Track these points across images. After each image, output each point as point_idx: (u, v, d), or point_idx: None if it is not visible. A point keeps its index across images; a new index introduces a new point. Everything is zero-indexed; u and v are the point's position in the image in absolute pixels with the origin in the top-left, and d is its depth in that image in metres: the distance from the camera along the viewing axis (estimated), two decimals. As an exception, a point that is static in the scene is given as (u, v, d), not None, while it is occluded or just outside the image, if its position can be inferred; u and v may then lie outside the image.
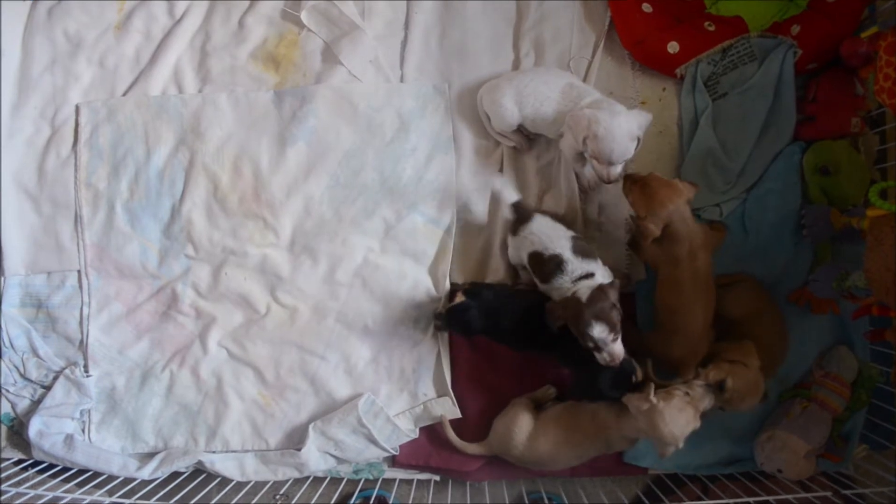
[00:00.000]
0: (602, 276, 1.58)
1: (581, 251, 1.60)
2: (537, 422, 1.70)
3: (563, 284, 1.58)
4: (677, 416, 1.51)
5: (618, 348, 1.49)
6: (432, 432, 1.85)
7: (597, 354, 1.49)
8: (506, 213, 1.75)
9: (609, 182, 1.60)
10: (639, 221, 1.58)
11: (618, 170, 1.58)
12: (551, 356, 1.74)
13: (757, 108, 1.77)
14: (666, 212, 1.54)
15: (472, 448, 1.78)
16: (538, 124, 1.73)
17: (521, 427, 1.69)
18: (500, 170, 1.86)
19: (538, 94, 1.69)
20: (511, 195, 1.71)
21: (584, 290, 1.51)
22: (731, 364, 1.59)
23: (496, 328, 1.66)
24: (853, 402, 1.77)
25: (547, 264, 1.61)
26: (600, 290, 1.50)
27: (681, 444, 1.53)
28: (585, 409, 1.68)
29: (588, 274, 1.57)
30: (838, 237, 1.76)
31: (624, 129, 1.54)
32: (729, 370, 1.58)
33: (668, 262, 1.62)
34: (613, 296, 1.50)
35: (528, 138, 1.84)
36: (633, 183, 1.59)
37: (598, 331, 1.46)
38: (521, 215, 1.68)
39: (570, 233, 1.64)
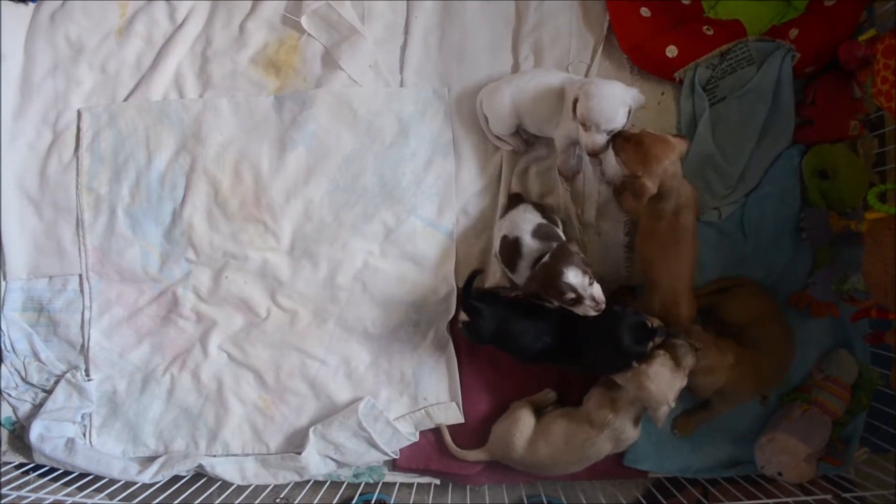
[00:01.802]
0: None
1: (541, 235, 1.63)
2: (537, 426, 1.71)
3: (526, 272, 1.61)
4: (661, 371, 1.54)
5: (597, 291, 1.50)
6: (433, 436, 1.86)
7: (579, 307, 1.49)
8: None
9: (593, 153, 1.59)
10: (635, 180, 1.57)
11: (602, 139, 1.57)
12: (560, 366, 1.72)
13: (756, 112, 1.77)
14: (661, 168, 1.54)
15: (471, 455, 1.79)
16: (538, 121, 1.73)
17: (521, 431, 1.69)
18: (500, 174, 1.87)
19: (537, 109, 1.71)
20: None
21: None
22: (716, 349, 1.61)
23: (506, 339, 1.64)
24: (853, 405, 1.76)
25: (509, 248, 1.65)
26: (560, 247, 1.54)
27: (672, 402, 1.55)
28: (583, 411, 1.68)
29: (543, 255, 1.58)
30: (837, 240, 1.76)
31: (616, 93, 1.55)
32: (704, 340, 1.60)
33: (652, 215, 1.62)
34: (575, 248, 1.54)
35: (526, 142, 1.84)
36: (626, 141, 1.57)
37: (573, 276, 1.46)
38: (512, 203, 1.72)
39: (542, 220, 1.66)
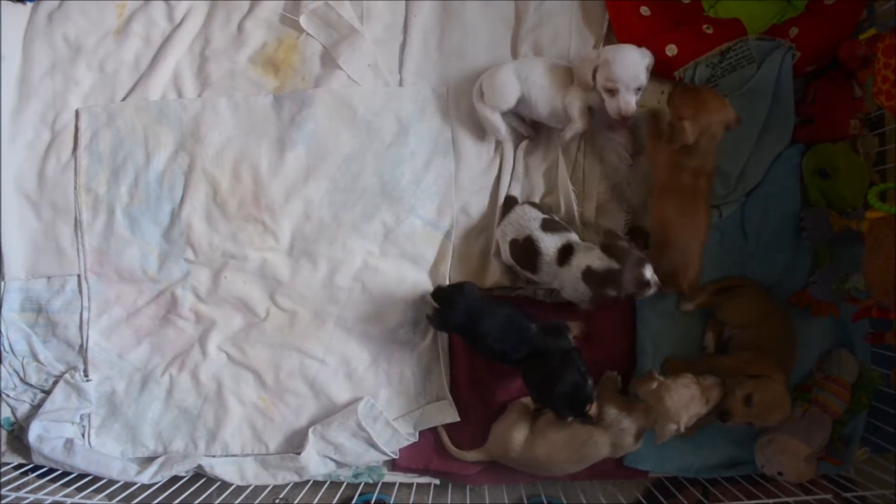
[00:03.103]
0: (576, 242, 1.64)
1: (550, 227, 1.64)
2: (535, 425, 1.70)
3: (552, 268, 1.61)
4: (683, 391, 1.55)
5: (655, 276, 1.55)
6: (432, 436, 1.85)
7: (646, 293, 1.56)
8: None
9: (626, 114, 1.60)
10: (678, 122, 1.57)
11: (633, 99, 1.60)
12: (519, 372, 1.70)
13: (756, 111, 1.77)
14: (709, 120, 1.56)
15: (469, 455, 1.78)
16: (546, 94, 1.72)
17: (518, 430, 1.69)
18: (499, 173, 1.86)
19: (543, 81, 1.72)
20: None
21: (593, 259, 1.55)
22: (755, 379, 1.59)
23: (473, 332, 1.64)
24: (854, 404, 1.76)
25: (524, 249, 1.65)
26: (607, 247, 1.55)
27: (682, 426, 1.55)
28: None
29: (566, 246, 1.61)
30: (838, 240, 1.76)
31: (634, 54, 1.61)
32: (754, 385, 1.58)
33: (674, 168, 1.63)
34: (622, 241, 1.58)
35: (526, 125, 1.84)
36: (685, 89, 1.61)
37: (649, 273, 1.53)
38: (507, 206, 1.73)
39: (544, 215, 1.68)
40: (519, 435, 1.69)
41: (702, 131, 1.57)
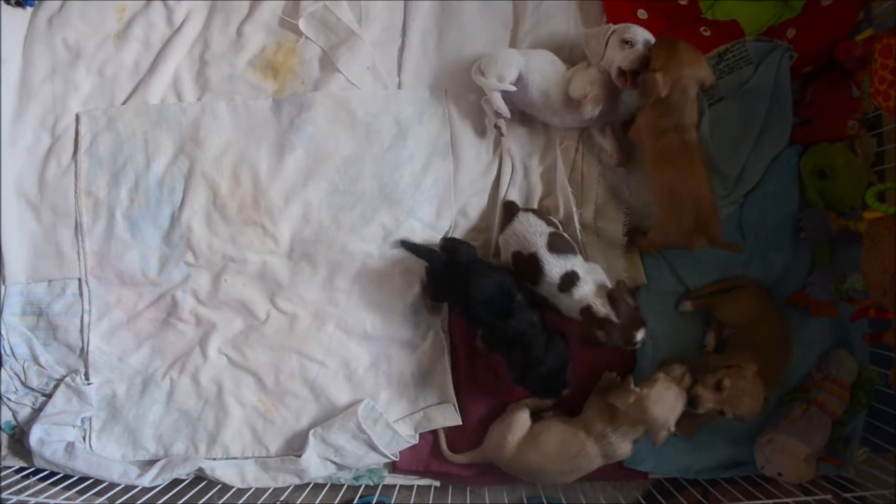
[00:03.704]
0: (583, 270, 1.63)
1: (558, 248, 1.64)
2: (531, 429, 1.70)
3: (552, 292, 1.63)
4: (664, 395, 1.56)
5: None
6: (432, 438, 1.86)
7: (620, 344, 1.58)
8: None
9: (636, 67, 1.62)
10: (648, 74, 1.58)
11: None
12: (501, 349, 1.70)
13: (754, 112, 1.77)
14: (680, 72, 1.55)
15: (464, 457, 1.79)
16: (544, 77, 1.73)
17: (514, 432, 1.69)
18: (498, 175, 1.87)
19: (544, 69, 1.74)
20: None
21: (595, 301, 1.58)
22: (726, 369, 1.60)
23: (460, 290, 1.67)
24: (853, 404, 1.76)
25: (527, 264, 1.64)
26: (612, 298, 1.57)
27: (673, 427, 1.56)
28: (579, 421, 1.69)
29: (570, 274, 1.61)
30: (836, 240, 1.77)
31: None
32: (725, 372, 1.59)
33: (656, 133, 1.62)
34: (629, 298, 1.59)
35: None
36: (660, 41, 1.61)
37: (640, 336, 1.58)
38: (508, 213, 1.71)
39: (550, 229, 1.67)
40: (514, 438, 1.69)
41: (673, 84, 1.56)
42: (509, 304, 1.62)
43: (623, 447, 1.65)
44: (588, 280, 1.62)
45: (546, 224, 1.69)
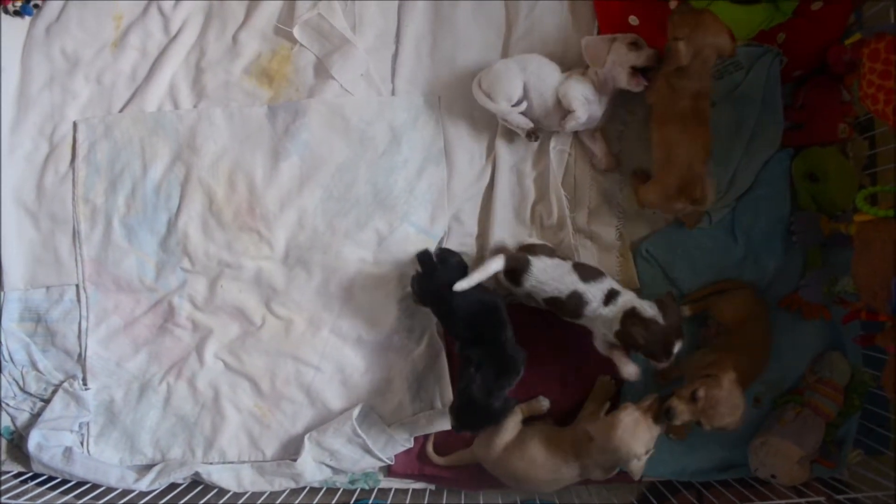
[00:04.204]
0: (615, 284, 1.64)
1: (590, 276, 1.62)
2: (519, 434, 1.70)
3: (596, 311, 1.61)
4: (627, 423, 1.53)
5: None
6: (428, 441, 1.86)
7: (652, 361, 1.56)
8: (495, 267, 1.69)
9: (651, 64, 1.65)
10: (673, 42, 1.57)
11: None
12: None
13: (745, 117, 1.78)
14: (704, 42, 1.55)
15: (449, 460, 1.80)
16: (534, 95, 1.74)
17: (502, 434, 1.69)
18: (492, 181, 1.88)
19: (541, 73, 1.74)
20: (497, 264, 1.66)
21: (641, 304, 1.56)
22: (703, 378, 1.58)
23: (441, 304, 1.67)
24: (846, 406, 1.76)
25: (569, 304, 1.62)
26: (662, 303, 1.56)
27: (643, 456, 1.54)
28: (567, 433, 1.68)
29: (611, 292, 1.60)
30: (828, 243, 1.77)
31: None
32: (701, 381, 1.56)
33: (673, 94, 1.62)
34: (674, 307, 1.57)
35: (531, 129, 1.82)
36: (684, 9, 1.61)
37: (678, 347, 1.54)
38: (516, 266, 1.64)
39: (569, 263, 1.65)
40: (501, 440, 1.69)
41: (696, 53, 1.56)
42: (480, 330, 1.64)
43: (596, 473, 1.64)
44: (626, 291, 1.62)
45: (561, 259, 1.67)
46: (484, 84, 1.77)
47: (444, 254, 1.74)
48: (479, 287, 1.64)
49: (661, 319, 1.54)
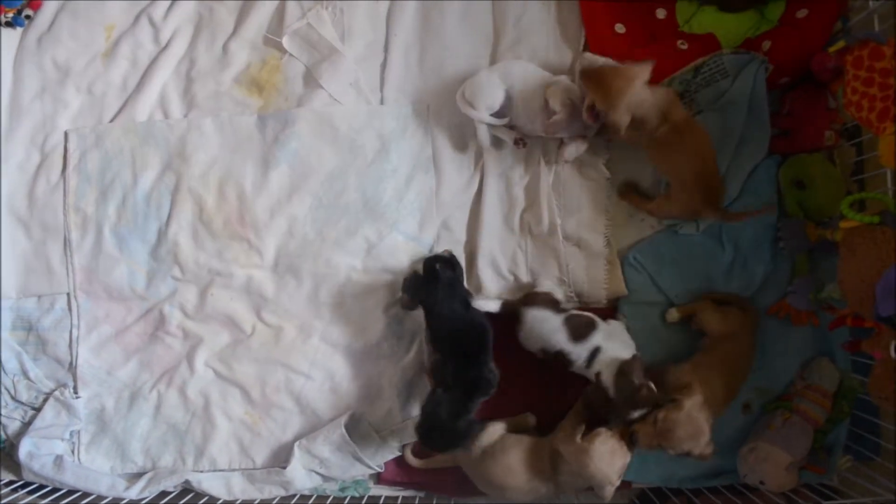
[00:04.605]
0: (604, 338, 1.65)
1: (577, 333, 1.64)
2: (500, 439, 1.70)
3: (581, 369, 1.65)
4: (601, 449, 1.53)
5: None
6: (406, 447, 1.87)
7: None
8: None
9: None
10: (604, 119, 1.61)
11: None
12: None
13: (732, 124, 1.78)
14: (625, 100, 1.56)
15: (428, 463, 1.81)
16: (519, 101, 1.74)
17: (483, 437, 1.69)
18: (481, 188, 1.89)
19: (527, 77, 1.75)
20: (493, 306, 1.72)
21: (605, 372, 1.59)
22: (669, 402, 1.57)
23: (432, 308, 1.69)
24: (835, 412, 1.77)
25: (557, 359, 1.66)
26: (622, 374, 1.57)
27: (616, 482, 1.54)
28: (546, 444, 1.67)
29: (594, 350, 1.63)
30: (816, 249, 1.77)
31: None
32: (663, 408, 1.56)
33: (646, 135, 1.65)
34: (638, 373, 1.56)
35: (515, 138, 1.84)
36: (588, 77, 1.62)
37: (636, 415, 1.56)
38: (510, 313, 1.70)
39: (561, 316, 1.67)
40: (480, 442, 1.68)
41: (628, 107, 1.58)
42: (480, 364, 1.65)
43: (568, 490, 1.64)
44: (608, 348, 1.64)
45: (554, 313, 1.68)
46: (467, 93, 1.79)
47: (445, 265, 1.72)
48: (464, 305, 1.68)
49: (612, 392, 1.58)
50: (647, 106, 1.60)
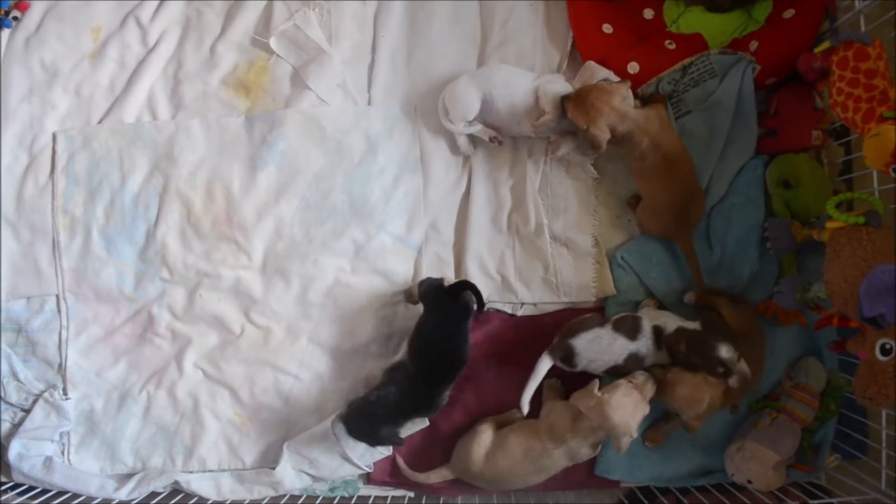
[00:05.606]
0: (652, 318, 1.70)
1: (630, 330, 1.67)
2: (496, 437, 1.71)
3: (651, 358, 1.68)
4: (624, 401, 1.56)
5: (745, 367, 1.59)
6: (406, 449, 1.86)
7: (728, 379, 1.60)
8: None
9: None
10: (584, 134, 1.64)
11: None
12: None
13: (719, 124, 1.78)
14: (604, 117, 1.60)
15: (433, 476, 1.80)
16: (501, 103, 1.75)
17: (479, 444, 1.70)
18: (468, 189, 1.89)
19: (510, 81, 1.76)
20: (546, 364, 1.71)
21: (682, 344, 1.63)
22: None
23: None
24: (822, 411, 1.77)
25: (630, 364, 1.67)
26: (706, 318, 1.65)
27: (635, 433, 1.57)
28: (543, 422, 1.69)
29: (656, 328, 1.67)
30: (803, 249, 1.78)
31: None
32: (671, 369, 1.63)
33: (635, 158, 1.69)
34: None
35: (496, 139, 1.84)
36: (567, 99, 1.66)
37: (725, 351, 1.58)
38: (563, 355, 1.69)
39: (608, 327, 1.68)
40: (479, 451, 1.69)
41: (610, 125, 1.61)
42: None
43: (584, 451, 1.65)
44: (665, 322, 1.69)
45: (600, 327, 1.69)
46: (446, 101, 1.80)
47: (473, 296, 1.72)
48: (464, 337, 1.69)
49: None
50: (630, 123, 1.62)
